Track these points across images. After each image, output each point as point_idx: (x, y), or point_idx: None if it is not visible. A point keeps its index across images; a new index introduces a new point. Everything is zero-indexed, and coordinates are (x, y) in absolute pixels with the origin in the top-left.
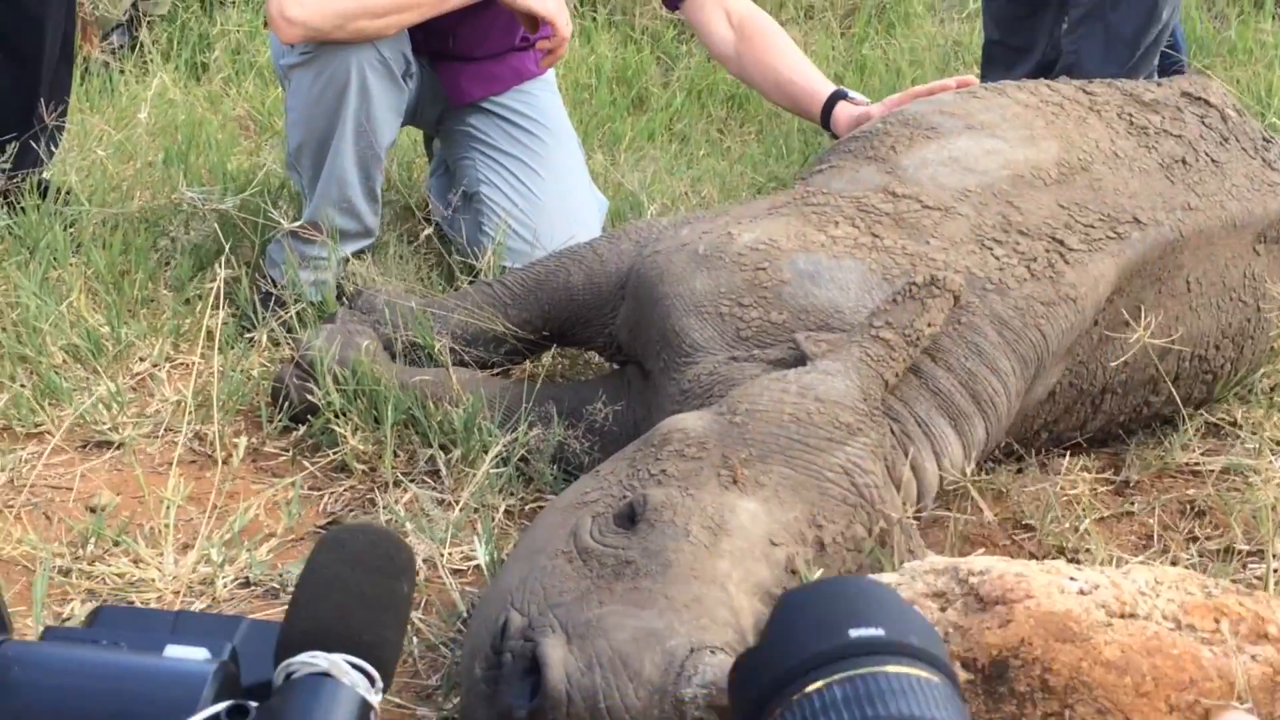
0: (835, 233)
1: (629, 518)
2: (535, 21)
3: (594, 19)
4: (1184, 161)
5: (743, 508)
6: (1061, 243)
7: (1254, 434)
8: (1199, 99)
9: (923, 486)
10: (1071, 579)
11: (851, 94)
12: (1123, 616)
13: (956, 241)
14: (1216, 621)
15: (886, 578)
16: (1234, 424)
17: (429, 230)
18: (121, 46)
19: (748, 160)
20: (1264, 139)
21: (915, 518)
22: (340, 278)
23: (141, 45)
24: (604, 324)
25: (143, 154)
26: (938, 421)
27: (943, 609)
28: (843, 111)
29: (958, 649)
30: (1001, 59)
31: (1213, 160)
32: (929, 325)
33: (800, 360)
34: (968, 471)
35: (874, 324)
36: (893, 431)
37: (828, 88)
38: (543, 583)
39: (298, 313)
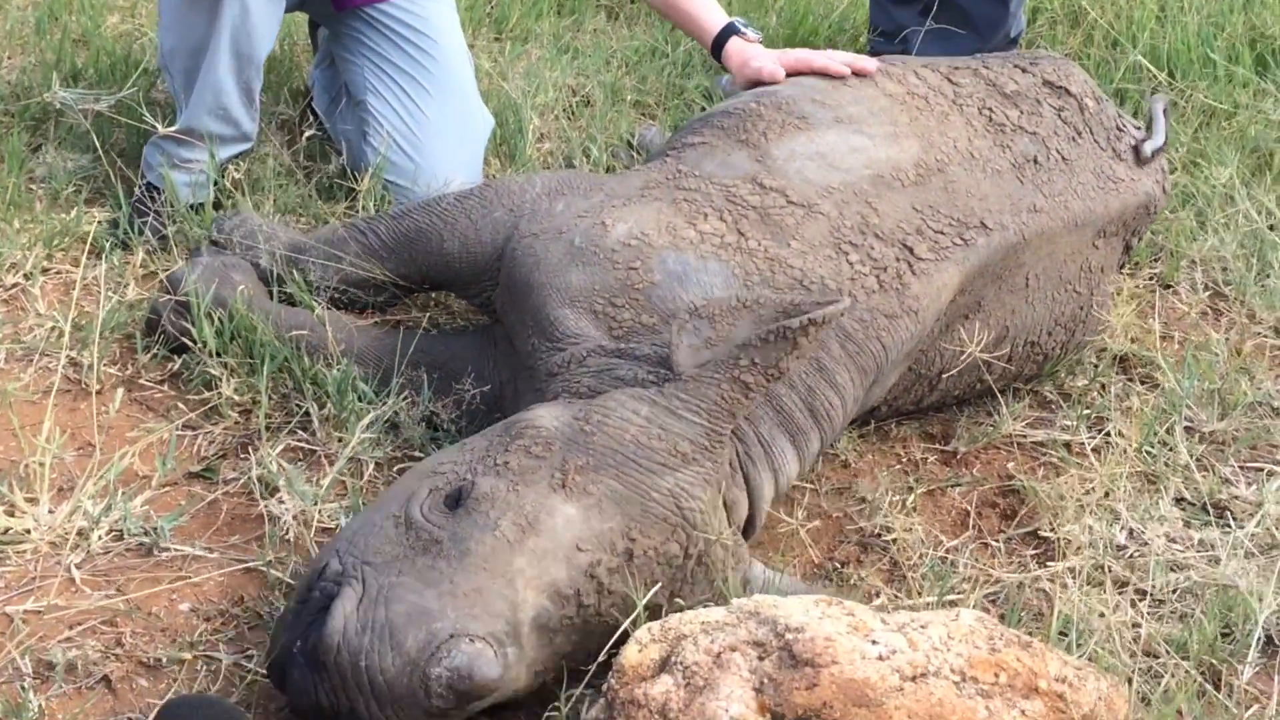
0: (704, 227)
1: (455, 500)
2: None
3: None
4: (1035, 160)
5: (561, 511)
6: (911, 250)
7: (1074, 408)
8: (1060, 88)
9: (756, 505)
10: (874, 642)
11: (743, 28)
12: (914, 679)
13: (815, 245)
14: (996, 676)
15: (717, 614)
16: (1062, 396)
17: (310, 132)
18: None
19: (631, 53)
20: (1118, 128)
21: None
22: (218, 182)
23: None
24: (481, 289)
25: (11, 11)
26: (779, 440)
27: (760, 658)
28: (735, 49)
29: (769, 700)
30: None
31: (1063, 158)
32: (797, 359)
33: (666, 361)
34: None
35: (740, 362)
36: (736, 453)
37: (719, 20)
38: (367, 539)
39: (175, 220)
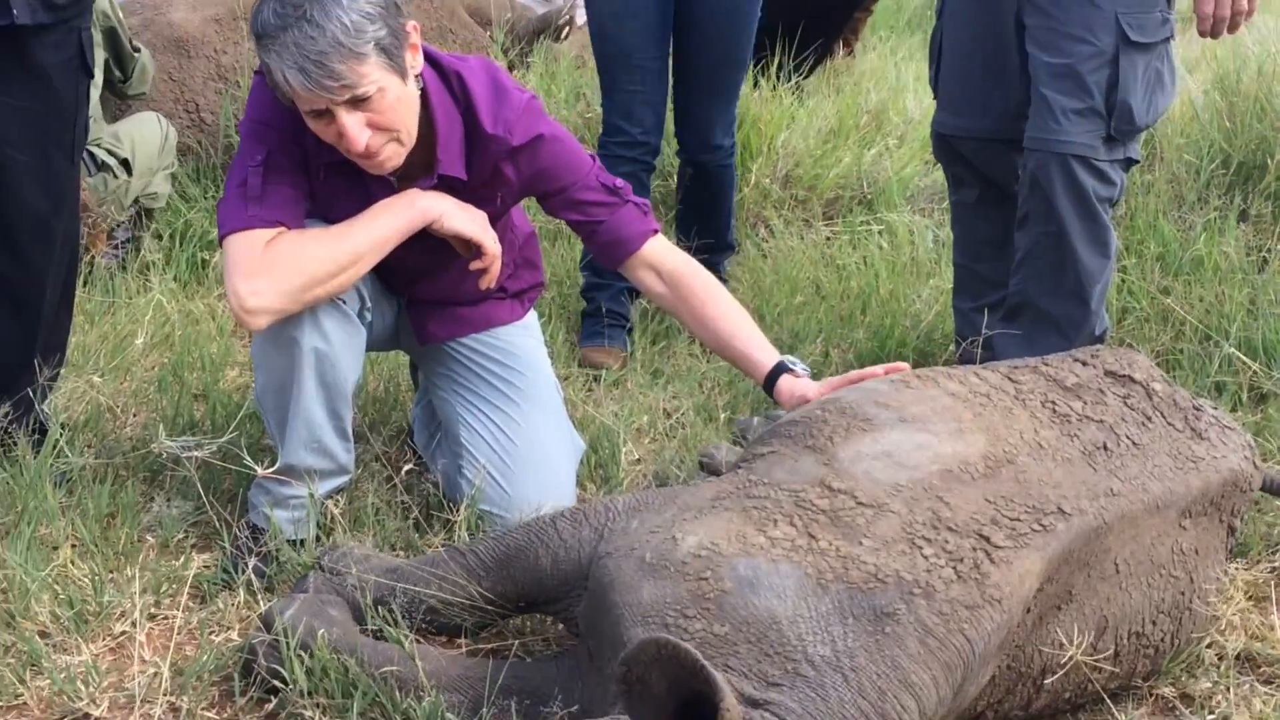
0: (774, 533)
1: None
2: (469, 245)
3: None
4: (1105, 447)
5: None
6: (988, 540)
7: (1199, 711)
8: (1123, 377)
9: None
10: None
11: (793, 365)
12: None
13: (888, 541)
14: None
15: None
16: (1183, 699)
17: (410, 466)
18: (127, 242)
19: (722, 373)
20: (1194, 408)
21: None
22: (319, 518)
23: (141, 245)
24: (567, 605)
25: (138, 373)
26: None
27: None
28: (785, 385)
29: None
30: (969, 286)
31: (1134, 443)
32: None
33: None
34: None
35: None
36: None
37: (770, 359)
38: None
39: (278, 559)
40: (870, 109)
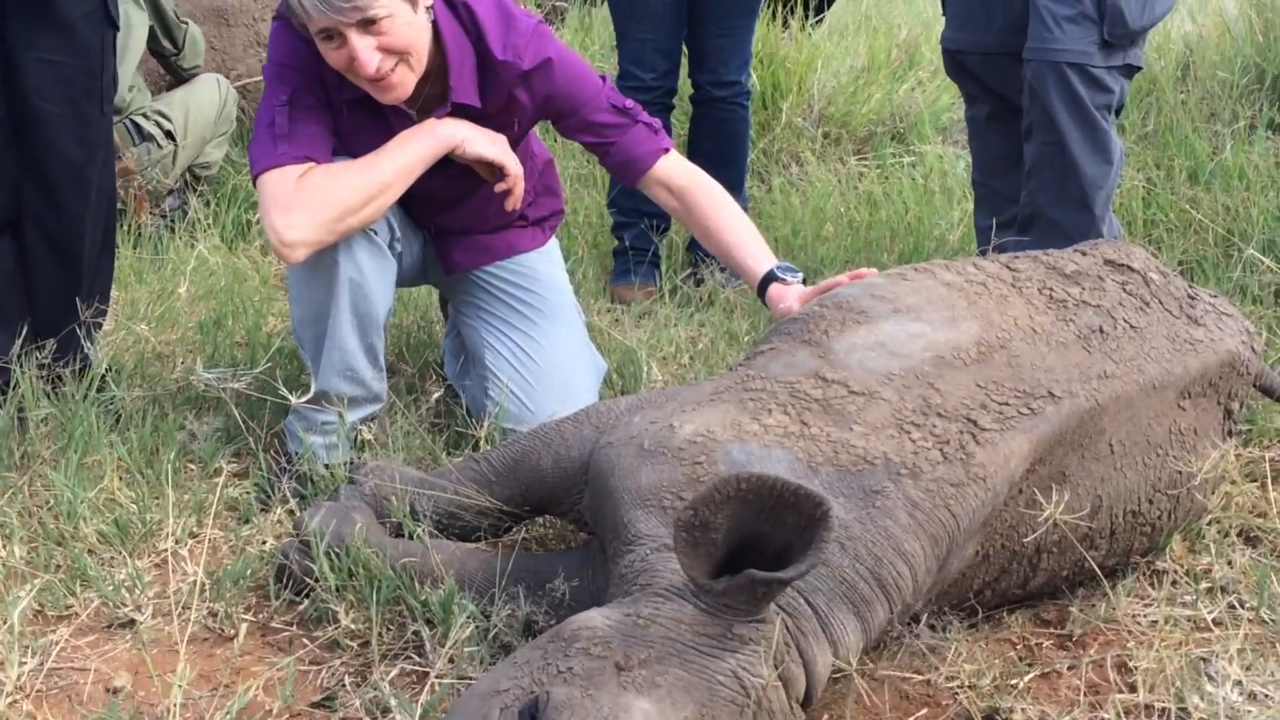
0: (768, 421)
1: (532, 715)
2: (493, 169)
3: None
4: (1102, 330)
5: (637, 708)
6: (975, 423)
7: (1195, 584)
8: (1121, 265)
9: (812, 679)
10: None
11: (783, 273)
12: None
13: (877, 427)
14: None
15: None
16: (1181, 572)
17: (439, 393)
18: (175, 210)
19: (746, 300)
20: (1189, 296)
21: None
22: (351, 444)
23: (189, 210)
24: (572, 503)
25: (184, 322)
26: (838, 611)
27: None
28: (773, 292)
29: None
30: (988, 202)
31: (1131, 326)
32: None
33: None
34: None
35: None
36: (786, 627)
37: (763, 266)
38: None
39: (311, 480)
40: (900, 43)
